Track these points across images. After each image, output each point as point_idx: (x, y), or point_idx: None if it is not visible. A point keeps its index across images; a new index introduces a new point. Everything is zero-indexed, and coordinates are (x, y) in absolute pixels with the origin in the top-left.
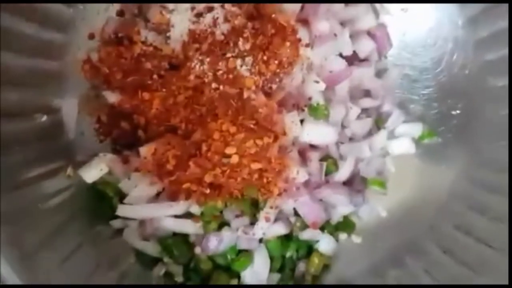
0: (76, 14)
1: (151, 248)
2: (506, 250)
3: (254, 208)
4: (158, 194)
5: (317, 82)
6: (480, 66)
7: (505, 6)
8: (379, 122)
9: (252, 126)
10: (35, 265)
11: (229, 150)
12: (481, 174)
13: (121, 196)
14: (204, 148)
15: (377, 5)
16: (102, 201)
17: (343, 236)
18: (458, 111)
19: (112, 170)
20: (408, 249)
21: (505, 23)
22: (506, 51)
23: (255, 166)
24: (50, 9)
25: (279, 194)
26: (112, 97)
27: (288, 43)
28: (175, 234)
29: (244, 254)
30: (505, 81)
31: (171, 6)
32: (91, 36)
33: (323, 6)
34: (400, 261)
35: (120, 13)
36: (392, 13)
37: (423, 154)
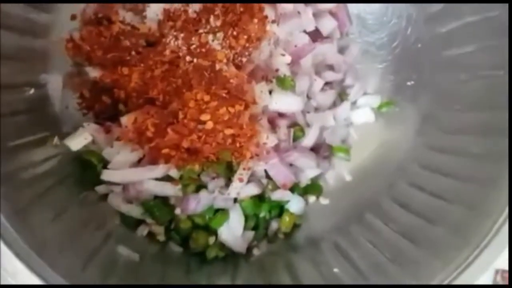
0: None
1: (135, 211)
2: (456, 201)
3: (228, 170)
4: (139, 161)
5: (283, 55)
6: (432, 39)
7: None
8: (342, 94)
9: (224, 95)
10: (29, 220)
11: (204, 117)
12: (433, 137)
13: (105, 164)
14: (180, 115)
15: None
16: (87, 169)
17: (312, 198)
18: (412, 82)
19: (96, 139)
20: (368, 206)
21: None
22: (454, 24)
23: (228, 131)
24: None
25: (251, 158)
26: (94, 73)
27: (256, 20)
28: (156, 198)
29: (221, 213)
30: (453, 52)
31: None
32: (73, 17)
33: None
34: (361, 218)
35: None
36: None
37: (382, 122)
